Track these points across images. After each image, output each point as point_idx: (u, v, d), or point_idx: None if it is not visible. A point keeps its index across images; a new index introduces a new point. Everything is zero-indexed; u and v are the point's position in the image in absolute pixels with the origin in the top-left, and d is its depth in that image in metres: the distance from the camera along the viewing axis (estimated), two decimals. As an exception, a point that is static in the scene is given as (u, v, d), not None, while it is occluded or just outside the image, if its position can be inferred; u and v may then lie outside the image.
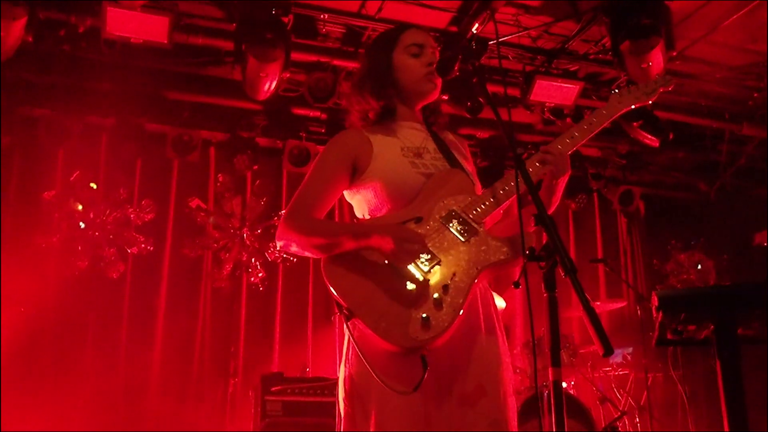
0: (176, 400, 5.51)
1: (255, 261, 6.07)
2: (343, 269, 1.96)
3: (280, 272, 6.24)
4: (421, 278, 1.92)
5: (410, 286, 1.91)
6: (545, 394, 4.46)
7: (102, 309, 5.67)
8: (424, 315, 1.86)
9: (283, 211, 2.15)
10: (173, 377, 5.66)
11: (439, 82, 2.22)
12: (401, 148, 2.14)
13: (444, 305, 1.88)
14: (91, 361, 5.46)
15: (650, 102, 2.26)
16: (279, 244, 2.08)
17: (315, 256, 2.05)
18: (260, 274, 6.06)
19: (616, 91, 2.24)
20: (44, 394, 5.10)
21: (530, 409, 4.61)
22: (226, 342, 5.92)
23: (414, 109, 2.25)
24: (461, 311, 1.89)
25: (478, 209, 2.04)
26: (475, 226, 2.02)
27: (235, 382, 5.64)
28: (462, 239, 1.99)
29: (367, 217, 2.16)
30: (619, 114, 2.22)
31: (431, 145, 2.21)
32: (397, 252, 1.91)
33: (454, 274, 1.93)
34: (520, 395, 4.86)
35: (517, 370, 5.20)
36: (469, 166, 2.25)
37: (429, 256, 1.94)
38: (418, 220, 2.02)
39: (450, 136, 2.31)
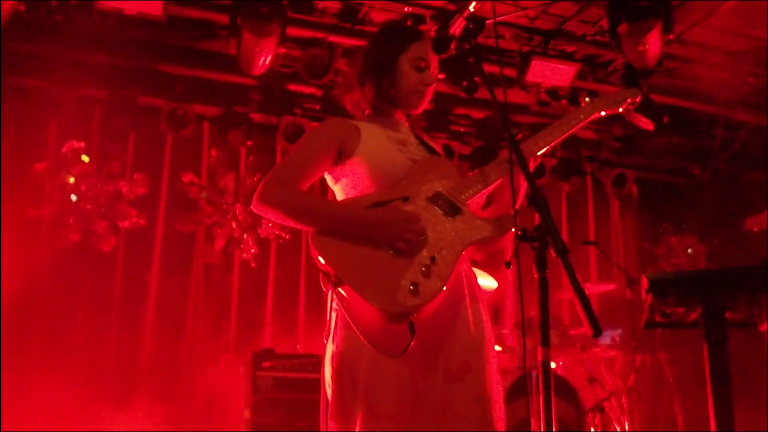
0: (167, 375, 5.54)
1: (247, 237, 6.07)
2: (332, 239, 1.98)
3: (273, 249, 6.25)
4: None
5: (398, 257, 1.95)
6: (534, 374, 4.51)
7: (93, 283, 5.67)
8: (412, 282, 1.89)
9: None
10: (164, 352, 5.68)
11: (425, 100, 2.27)
12: (387, 137, 2.19)
13: (432, 274, 1.91)
14: (82, 335, 5.46)
15: (620, 110, 2.38)
16: (257, 208, 2.06)
17: (293, 227, 2.07)
18: (252, 251, 6.06)
19: (588, 99, 2.37)
20: (35, 368, 5.10)
21: (519, 388, 4.65)
22: (218, 318, 5.94)
23: (397, 111, 2.30)
24: (447, 282, 1.92)
25: (463, 192, 2.10)
26: (460, 206, 2.07)
27: (226, 358, 5.67)
28: (447, 217, 2.04)
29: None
30: (590, 119, 2.31)
31: (413, 140, 2.27)
32: (397, 240, 1.95)
33: (441, 249, 1.97)
34: (510, 375, 4.90)
35: (507, 350, 5.24)
36: None
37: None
38: (405, 200, 2.06)
39: (426, 138, 2.36)
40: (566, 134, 2.24)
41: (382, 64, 2.21)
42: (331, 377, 2.02)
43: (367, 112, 2.29)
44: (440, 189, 2.09)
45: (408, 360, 1.91)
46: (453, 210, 2.06)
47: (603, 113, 2.34)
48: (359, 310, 1.92)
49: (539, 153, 2.19)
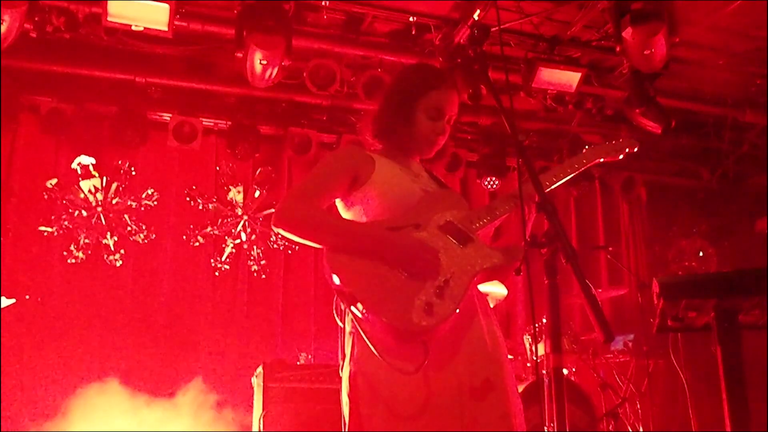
0: (178, 387, 5.53)
1: (257, 249, 6.09)
2: (346, 257, 2.00)
3: (282, 260, 6.26)
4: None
5: (411, 278, 1.96)
6: (546, 381, 4.48)
7: (104, 297, 5.69)
8: (426, 302, 1.90)
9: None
10: (175, 364, 5.68)
11: (436, 149, 2.32)
12: (400, 168, 2.25)
13: (445, 296, 1.93)
14: (93, 348, 5.48)
15: (619, 158, 2.47)
16: (278, 225, 2.08)
17: (311, 245, 2.09)
18: (262, 262, 6.07)
19: (588, 147, 2.46)
20: (47, 381, 5.12)
21: (531, 395, 4.63)
22: (228, 329, 5.94)
23: (411, 154, 2.35)
24: (459, 305, 1.94)
25: (474, 222, 2.14)
26: (471, 235, 2.11)
27: (236, 369, 5.67)
28: (459, 245, 2.07)
29: None
30: (591, 164, 2.40)
31: (425, 174, 2.34)
32: (413, 266, 1.98)
33: (453, 273, 2.00)
34: (522, 382, 4.88)
35: (519, 357, 5.22)
36: None
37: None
38: (417, 227, 2.09)
39: (438, 177, 2.43)
40: (565, 179, 2.29)
41: (399, 109, 2.25)
42: (349, 396, 2.02)
43: (381, 147, 2.33)
44: (451, 218, 2.13)
45: (429, 374, 1.92)
46: (464, 238, 2.09)
47: (602, 160, 2.42)
48: (374, 328, 1.92)
49: (547, 190, 2.22)
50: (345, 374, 2.06)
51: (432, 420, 1.92)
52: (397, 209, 2.14)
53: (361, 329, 1.94)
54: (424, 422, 1.92)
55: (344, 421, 2.04)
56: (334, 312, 2.02)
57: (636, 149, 2.46)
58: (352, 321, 1.99)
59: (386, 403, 1.94)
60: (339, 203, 2.24)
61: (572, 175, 2.30)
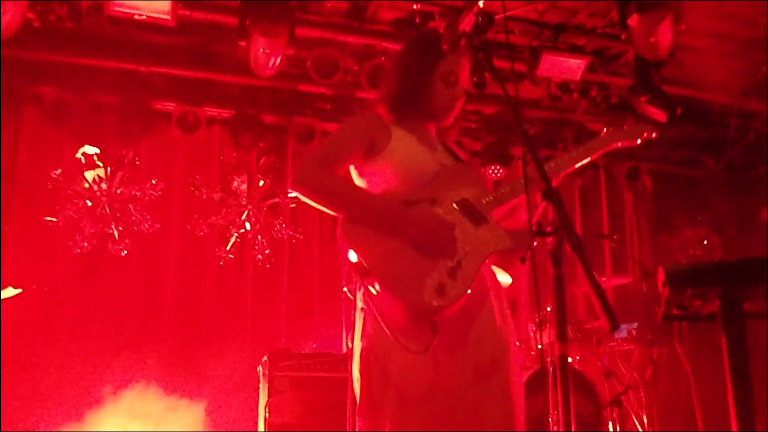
0: (183, 377, 5.56)
1: (261, 238, 6.10)
2: (362, 228, 2.01)
3: (286, 249, 6.26)
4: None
5: (425, 255, 1.97)
6: (551, 369, 4.49)
7: (109, 287, 5.71)
8: (439, 282, 1.91)
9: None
10: (180, 354, 5.70)
11: (454, 114, 2.29)
12: (417, 139, 2.23)
13: (458, 277, 1.94)
14: (98, 339, 5.50)
15: (637, 142, 2.43)
16: (294, 188, 2.09)
17: (325, 210, 2.10)
18: (266, 251, 6.08)
19: (606, 129, 2.42)
20: (52, 372, 5.15)
21: (536, 383, 4.64)
22: (233, 319, 5.97)
23: (426, 122, 2.32)
24: (470, 287, 1.95)
25: (488, 200, 2.13)
26: (486, 215, 2.10)
27: (242, 358, 5.69)
28: (473, 224, 2.07)
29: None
30: (608, 149, 2.37)
31: (441, 147, 2.31)
32: (428, 243, 1.98)
33: (467, 253, 1.99)
34: (527, 370, 4.89)
35: (523, 345, 5.23)
36: None
37: None
38: (432, 202, 2.09)
39: (455, 149, 2.40)
40: (583, 162, 2.29)
41: (414, 79, 2.23)
42: (360, 373, 2.03)
43: (393, 118, 2.29)
44: (467, 196, 2.13)
45: (438, 355, 1.93)
46: (479, 218, 2.08)
47: (620, 144, 2.38)
48: (385, 303, 1.93)
49: (563, 172, 2.26)
50: (357, 350, 2.07)
51: (438, 404, 1.94)
52: (413, 182, 2.13)
53: (373, 305, 1.95)
54: (431, 407, 1.93)
55: (354, 392, 2.06)
56: (345, 287, 2.03)
57: (654, 135, 2.43)
58: (364, 296, 1.99)
59: (396, 387, 1.95)
60: (353, 170, 2.23)
61: (590, 158, 2.29)
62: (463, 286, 1.93)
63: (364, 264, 1.93)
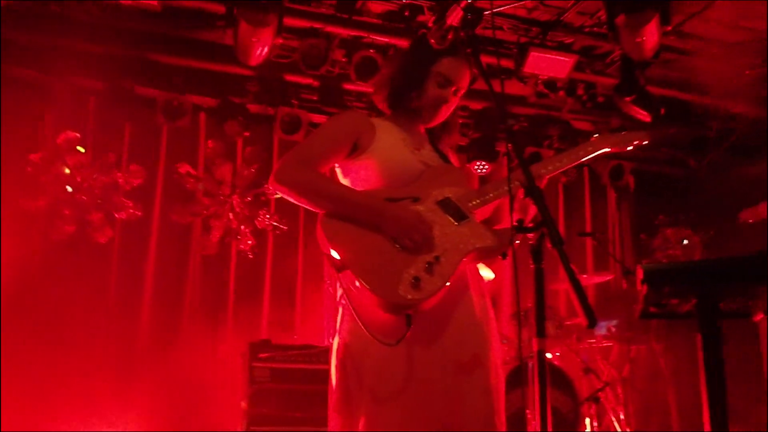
0: (163, 367, 5.54)
1: (244, 228, 6.07)
2: (341, 222, 2.02)
3: (270, 240, 6.25)
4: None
5: (404, 251, 1.98)
6: (530, 365, 4.53)
7: (89, 274, 5.65)
8: (415, 276, 1.91)
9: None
10: (160, 344, 5.68)
11: (439, 117, 2.30)
12: (402, 139, 2.25)
13: (435, 272, 1.94)
14: (77, 326, 5.45)
15: (628, 149, 2.43)
16: (274, 185, 2.10)
17: (307, 207, 2.11)
18: (249, 242, 6.06)
19: (597, 135, 2.42)
20: (30, 359, 5.08)
21: (515, 378, 4.68)
22: (215, 309, 5.94)
23: (416, 120, 2.33)
24: (449, 282, 1.95)
25: (471, 201, 2.14)
26: (468, 213, 2.11)
27: (222, 349, 5.68)
28: (455, 222, 2.08)
29: None
30: (598, 153, 2.36)
31: (428, 145, 2.33)
32: (407, 239, 1.99)
33: (446, 250, 2.00)
34: (506, 365, 4.92)
35: (504, 341, 5.26)
36: None
37: None
38: (415, 200, 2.10)
39: (446, 149, 2.41)
40: (573, 164, 2.31)
41: (412, 71, 2.26)
42: (336, 368, 2.04)
43: (387, 113, 2.34)
44: (450, 195, 2.14)
45: (413, 349, 1.94)
46: (460, 216, 2.09)
47: (609, 149, 2.38)
48: (360, 296, 1.94)
49: (547, 176, 2.26)
50: (335, 342, 2.08)
51: (412, 399, 1.94)
52: (396, 181, 2.15)
53: (349, 297, 1.96)
54: (404, 401, 1.94)
55: (331, 386, 2.06)
56: (327, 279, 2.04)
57: (646, 142, 2.44)
58: (342, 290, 2.01)
59: (371, 383, 1.95)
60: (337, 169, 2.24)
61: (579, 162, 2.32)
62: (440, 280, 1.93)
63: (341, 259, 1.94)
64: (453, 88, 2.28)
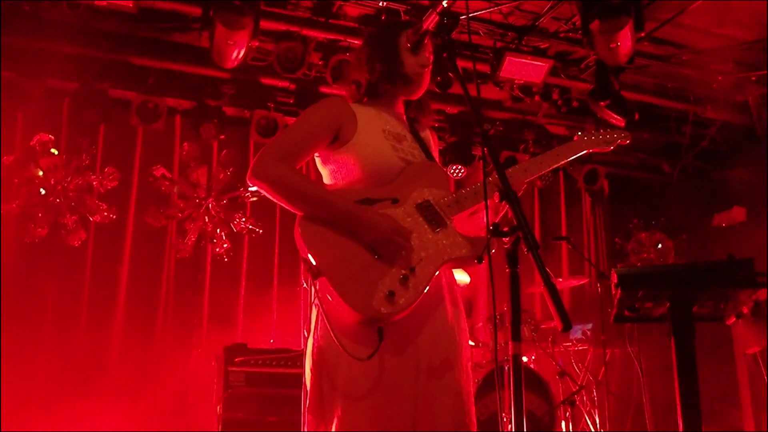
0: (138, 370, 5.48)
1: (220, 231, 6.03)
2: (319, 227, 2.00)
3: (246, 243, 6.21)
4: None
5: (380, 259, 1.97)
6: (505, 368, 4.54)
7: (63, 277, 5.58)
8: (390, 289, 1.91)
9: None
10: (135, 347, 5.62)
11: (425, 83, 2.30)
12: (383, 130, 2.21)
13: (409, 285, 1.94)
14: (51, 329, 5.38)
15: (609, 149, 2.45)
16: (251, 180, 2.07)
17: (283, 205, 2.08)
18: (225, 245, 6.02)
19: (580, 134, 2.44)
20: (3, 364, 5.01)
21: (490, 382, 4.69)
22: (190, 313, 5.89)
23: (397, 99, 2.32)
24: (423, 294, 1.96)
25: (451, 205, 2.14)
26: (446, 219, 2.10)
27: (197, 353, 5.63)
28: (431, 229, 2.07)
29: (339, 187, 2.19)
30: (579, 155, 2.38)
31: (409, 135, 2.29)
32: (384, 248, 1.98)
33: (421, 260, 2.00)
34: (482, 368, 4.94)
35: (480, 344, 5.27)
36: (438, 162, 2.36)
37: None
38: (395, 202, 2.09)
39: (426, 132, 2.39)
40: (554, 166, 2.32)
41: (382, 52, 2.24)
42: (311, 370, 2.03)
43: (366, 99, 2.29)
44: (430, 198, 2.13)
45: (387, 357, 1.94)
46: (438, 222, 2.09)
47: (590, 150, 2.40)
48: (335, 303, 1.93)
49: (527, 180, 2.27)
50: (309, 345, 2.07)
51: (383, 400, 1.94)
52: (374, 178, 2.13)
53: (323, 304, 1.96)
54: (375, 402, 1.94)
55: (305, 388, 2.06)
56: (303, 280, 2.03)
57: (628, 142, 2.45)
58: (317, 296, 2.00)
59: (343, 387, 1.95)
60: (317, 158, 2.22)
61: (560, 163, 2.32)
62: (414, 294, 1.93)
63: (317, 265, 1.93)
64: (425, 51, 2.27)
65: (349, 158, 2.14)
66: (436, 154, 2.36)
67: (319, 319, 2.04)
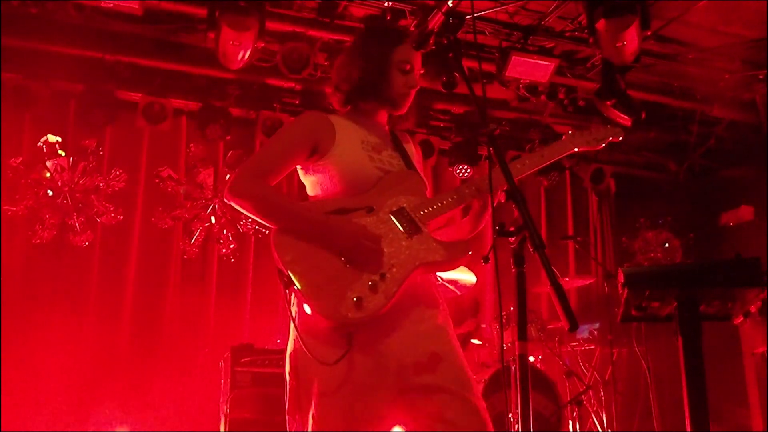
0: (145, 371, 5.49)
1: (226, 232, 6.04)
2: (292, 239, 2.04)
3: (252, 244, 6.22)
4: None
5: (351, 267, 2.00)
6: (512, 368, 4.53)
7: (70, 279, 5.60)
8: (357, 296, 1.93)
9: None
10: (142, 348, 5.63)
11: (408, 102, 2.31)
12: (362, 141, 2.23)
13: (378, 291, 1.96)
14: (58, 331, 5.39)
15: (601, 147, 2.40)
16: (228, 198, 2.11)
17: (260, 221, 2.13)
18: (231, 246, 6.03)
19: (570, 132, 2.40)
20: (10, 364, 5.03)
21: (497, 381, 4.68)
22: (197, 313, 5.90)
23: (380, 111, 2.34)
24: (393, 300, 1.97)
25: (426, 211, 2.15)
26: (420, 225, 2.12)
27: (204, 353, 5.64)
28: (406, 235, 2.09)
29: (321, 197, 2.23)
30: (568, 153, 2.36)
31: (390, 145, 2.31)
32: (354, 254, 2.01)
33: (392, 266, 2.02)
34: (489, 368, 4.93)
35: (486, 344, 5.27)
36: (421, 173, 2.35)
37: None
38: (369, 210, 2.12)
39: (410, 144, 2.40)
40: (545, 164, 2.30)
41: (373, 66, 2.24)
42: (289, 374, 2.08)
43: (346, 109, 2.32)
44: (405, 205, 2.15)
45: (354, 361, 1.96)
46: (413, 228, 2.10)
47: (579, 149, 2.37)
48: (304, 312, 1.98)
49: (517, 178, 2.23)
50: (289, 348, 2.11)
51: (354, 392, 1.96)
52: (352, 188, 2.16)
53: (295, 311, 2.01)
54: (345, 393, 1.96)
55: (286, 390, 2.10)
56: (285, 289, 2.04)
57: (621, 138, 2.43)
58: (290, 301, 2.05)
59: (317, 391, 1.98)
60: (299, 169, 2.25)
61: (551, 161, 2.31)
62: (384, 299, 1.95)
63: (289, 274, 1.96)
64: (416, 72, 2.28)
65: (327, 170, 2.17)
66: (418, 164, 2.36)
67: (295, 327, 2.07)
